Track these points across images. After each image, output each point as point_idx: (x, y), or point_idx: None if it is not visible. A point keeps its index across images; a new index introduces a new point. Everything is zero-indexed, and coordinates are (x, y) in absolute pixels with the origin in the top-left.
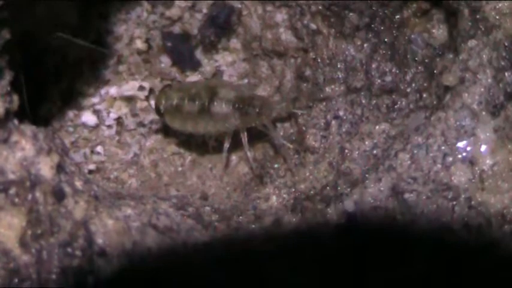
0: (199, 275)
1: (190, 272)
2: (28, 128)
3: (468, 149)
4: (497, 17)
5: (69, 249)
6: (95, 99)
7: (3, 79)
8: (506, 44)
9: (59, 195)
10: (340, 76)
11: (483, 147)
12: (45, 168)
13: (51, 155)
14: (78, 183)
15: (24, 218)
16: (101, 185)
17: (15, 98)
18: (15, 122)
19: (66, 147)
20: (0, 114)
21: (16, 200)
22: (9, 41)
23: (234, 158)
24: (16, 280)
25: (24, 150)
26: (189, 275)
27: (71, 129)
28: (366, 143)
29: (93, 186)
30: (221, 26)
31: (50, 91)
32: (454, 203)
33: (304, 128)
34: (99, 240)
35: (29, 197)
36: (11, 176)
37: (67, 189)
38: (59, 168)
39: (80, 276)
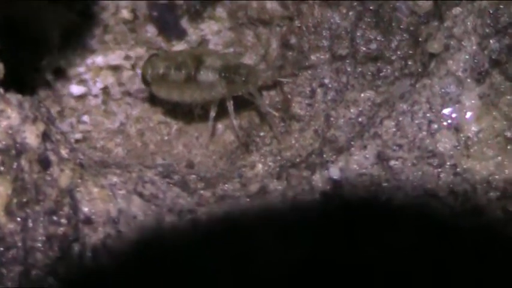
0: (185, 242)
1: (176, 240)
2: (14, 97)
3: (453, 115)
4: None
5: (54, 217)
6: (81, 69)
7: None
8: (490, 11)
9: (44, 164)
10: (325, 44)
11: (468, 114)
12: (31, 136)
13: (36, 123)
14: (64, 152)
15: (10, 186)
16: (87, 153)
17: (1, 66)
18: (1, 90)
19: (52, 116)
20: None
21: (1, 168)
22: None
23: (220, 126)
24: (1, 248)
25: (10, 119)
26: (175, 243)
27: (57, 98)
28: (351, 110)
29: (78, 155)
30: None
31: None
32: (440, 169)
33: (289, 96)
34: (85, 208)
35: (15, 165)
36: None
37: (52, 157)
38: (45, 136)
39: (65, 243)
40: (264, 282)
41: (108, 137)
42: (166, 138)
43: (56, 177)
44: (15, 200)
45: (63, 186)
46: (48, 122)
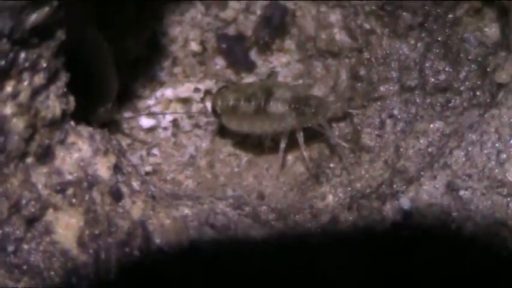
0: (256, 270)
1: (248, 268)
2: (85, 129)
3: None
4: None
5: (127, 249)
6: (151, 102)
7: (60, 80)
8: None
9: (116, 195)
10: (394, 75)
11: None
12: (102, 168)
13: (108, 155)
14: (135, 184)
15: (82, 218)
16: (158, 186)
17: (71, 99)
18: (72, 123)
19: (123, 148)
20: (56, 116)
21: (74, 200)
22: (65, 42)
23: (290, 157)
24: (74, 279)
25: (81, 151)
26: (247, 271)
27: (127, 131)
28: (421, 141)
29: (150, 187)
30: (275, 27)
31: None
32: (509, 199)
33: (359, 127)
34: (157, 240)
35: (87, 197)
36: (68, 177)
37: (124, 189)
38: (116, 168)
39: (138, 275)
40: None
41: (178, 170)
42: (236, 170)
43: (128, 209)
44: (87, 232)
45: (135, 218)
46: (119, 154)
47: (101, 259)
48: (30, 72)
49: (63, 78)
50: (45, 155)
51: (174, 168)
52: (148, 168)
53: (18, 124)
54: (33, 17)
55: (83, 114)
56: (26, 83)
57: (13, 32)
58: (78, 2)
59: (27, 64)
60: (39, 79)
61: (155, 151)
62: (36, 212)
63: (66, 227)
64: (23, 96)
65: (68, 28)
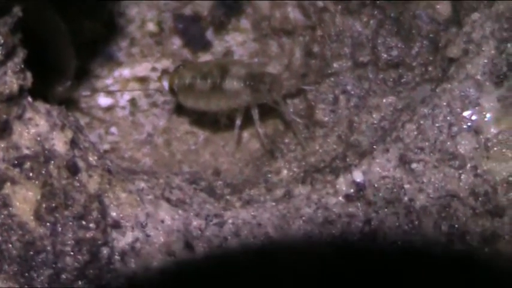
0: (211, 245)
1: (203, 242)
2: (42, 105)
3: (473, 118)
4: None
5: (83, 222)
6: (109, 81)
7: (17, 57)
8: (508, 16)
9: (73, 170)
10: (347, 52)
11: (488, 116)
12: (59, 143)
13: (64, 131)
14: (92, 158)
15: (39, 192)
16: (115, 162)
17: (29, 75)
18: (29, 99)
19: (80, 125)
20: (14, 91)
21: (31, 174)
22: (22, 19)
23: (245, 134)
24: (31, 252)
25: (38, 126)
26: (202, 245)
27: (85, 110)
28: (374, 115)
29: (106, 162)
30: (231, 6)
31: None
32: (461, 171)
33: (313, 103)
34: (113, 213)
35: (44, 171)
36: (26, 151)
37: (81, 163)
38: (73, 143)
39: (94, 247)
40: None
41: (136, 148)
42: (193, 147)
43: (84, 183)
44: (44, 205)
45: (91, 191)
46: (76, 130)
47: (58, 232)
48: None
49: (21, 54)
50: (3, 130)
51: (132, 146)
52: (106, 146)
53: None
54: None
55: (42, 92)
56: None
57: None
58: None
59: None
60: None
61: (113, 129)
62: None
63: (24, 200)
64: None
65: (25, 6)
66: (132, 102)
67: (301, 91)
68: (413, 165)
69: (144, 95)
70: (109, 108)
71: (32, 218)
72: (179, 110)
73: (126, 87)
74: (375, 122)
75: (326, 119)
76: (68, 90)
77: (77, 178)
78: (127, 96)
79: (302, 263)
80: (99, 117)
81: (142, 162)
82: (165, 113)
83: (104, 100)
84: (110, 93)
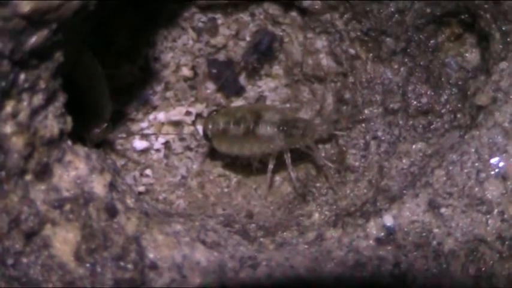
0: (245, 287)
1: (238, 284)
2: (81, 149)
3: (500, 165)
4: None
5: (121, 263)
6: (144, 124)
7: (57, 101)
8: None
9: (111, 212)
10: (378, 98)
11: None
12: (98, 186)
13: (103, 173)
14: (130, 201)
15: (79, 233)
16: (151, 204)
17: (69, 119)
18: (69, 142)
19: (117, 168)
20: (54, 135)
21: (71, 216)
22: (63, 64)
23: (277, 178)
24: None
25: (78, 169)
26: (237, 286)
27: (121, 153)
28: (404, 161)
29: (143, 204)
30: (264, 52)
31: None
32: (488, 216)
33: (344, 149)
34: (151, 255)
35: (83, 213)
36: (66, 194)
37: (119, 206)
38: (111, 186)
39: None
40: None
41: (170, 190)
42: (226, 190)
43: (122, 225)
44: (84, 246)
45: (129, 233)
46: (114, 173)
47: (97, 272)
48: (29, 92)
49: (61, 98)
50: (44, 173)
51: (166, 188)
52: (141, 188)
53: (18, 142)
54: (33, 39)
55: (79, 134)
56: (25, 103)
57: (13, 53)
58: (76, 26)
59: (26, 85)
60: (38, 99)
61: (148, 172)
62: (35, 226)
63: (64, 241)
64: (23, 116)
65: (66, 51)
66: (167, 145)
67: (332, 136)
68: (442, 210)
69: (178, 139)
70: (144, 151)
71: (72, 258)
72: (212, 153)
73: (161, 131)
74: (405, 167)
75: (357, 164)
76: (104, 132)
77: (115, 220)
78: (162, 140)
79: None
80: (134, 160)
81: (176, 204)
82: (198, 156)
83: (139, 143)
84: (145, 136)
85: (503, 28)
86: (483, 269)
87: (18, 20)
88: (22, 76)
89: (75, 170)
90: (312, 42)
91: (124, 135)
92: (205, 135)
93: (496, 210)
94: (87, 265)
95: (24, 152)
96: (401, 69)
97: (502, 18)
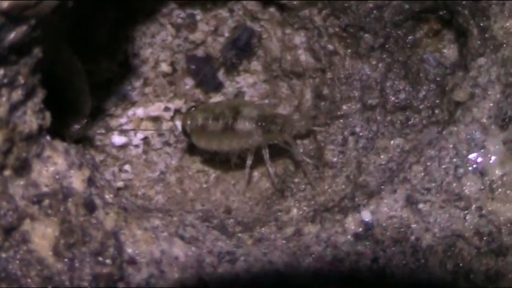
0: (223, 281)
1: (216, 279)
2: (60, 144)
3: (478, 160)
4: (504, 36)
5: (100, 258)
6: (123, 120)
7: (36, 97)
8: None
9: (90, 207)
10: (356, 94)
11: (493, 159)
12: (77, 181)
13: (82, 169)
14: (108, 196)
15: (57, 228)
16: (129, 199)
17: (48, 115)
18: (48, 138)
19: (96, 163)
20: (33, 130)
21: (49, 211)
22: (41, 60)
23: (255, 174)
24: (50, 287)
25: (57, 165)
26: (215, 282)
27: (100, 148)
28: (382, 157)
29: (122, 199)
30: (242, 48)
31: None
32: (466, 212)
33: (322, 144)
34: (129, 250)
35: (62, 208)
36: (44, 189)
37: (98, 201)
38: (90, 181)
39: (110, 283)
40: None
41: (149, 185)
42: (204, 186)
43: (101, 220)
44: (62, 241)
45: (108, 228)
46: (92, 168)
47: (75, 267)
48: (8, 88)
49: (40, 94)
50: (23, 168)
51: (145, 183)
52: (120, 184)
53: None
54: (12, 35)
55: (58, 130)
56: (4, 99)
57: None
58: (54, 23)
59: (5, 80)
60: (17, 95)
61: (127, 167)
62: (14, 222)
63: (42, 236)
64: (1, 111)
65: (45, 46)
66: (146, 141)
67: (311, 132)
68: (420, 206)
69: (157, 134)
70: (123, 147)
71: (50, 253)
72: (191, 149)
73: (140, 126)
74: (383, 163)
75: (335, 159)
76: (84, 128)
77: (94, 215)
78: (140, 135)
79: None
80: (113, 155)
81: (155, 199)
82: (177, 152)
83: (117, 138)
84: (123, 131)
85: (481, 24)
86: (461, 264)
87: None
88: (1, 72)
89: (54, 165)
90: (291, 38)
91: (103, 131)
92: (184, 131)
93: (474, 206)
94: (66, 260)
95: (3, 148)
96: (380, 65)
97: (480, 14)
